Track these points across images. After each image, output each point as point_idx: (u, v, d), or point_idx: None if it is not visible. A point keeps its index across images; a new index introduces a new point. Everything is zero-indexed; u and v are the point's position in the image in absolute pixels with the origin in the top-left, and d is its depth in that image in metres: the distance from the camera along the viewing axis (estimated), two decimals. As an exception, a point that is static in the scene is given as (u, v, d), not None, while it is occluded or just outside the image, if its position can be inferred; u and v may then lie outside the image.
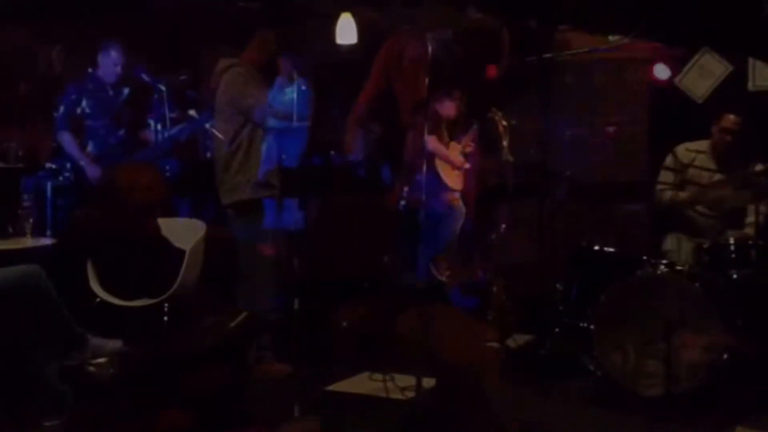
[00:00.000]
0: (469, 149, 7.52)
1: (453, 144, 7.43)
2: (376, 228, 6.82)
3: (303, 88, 8.12)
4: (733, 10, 6.28)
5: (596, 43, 8.33)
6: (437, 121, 7.33)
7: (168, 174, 6.72)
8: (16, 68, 7.98)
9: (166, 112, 6.81)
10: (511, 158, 7.31)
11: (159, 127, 6.92)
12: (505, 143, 7.30)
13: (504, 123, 7.29)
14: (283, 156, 8.11)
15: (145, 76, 6.72)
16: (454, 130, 7.55)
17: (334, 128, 9.59)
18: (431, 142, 7.21)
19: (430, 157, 7.24)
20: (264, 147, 8.30)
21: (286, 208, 8.13)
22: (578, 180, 7.63)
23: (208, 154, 7.87)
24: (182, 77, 7.85)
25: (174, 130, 6.72)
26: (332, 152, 8.32)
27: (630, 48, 8.26)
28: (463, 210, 7.37)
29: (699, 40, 6.85)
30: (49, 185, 6.24)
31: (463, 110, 7.50)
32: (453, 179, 7.35)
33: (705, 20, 6.29)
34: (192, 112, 7.72)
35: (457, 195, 7.37)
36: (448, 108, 7.36)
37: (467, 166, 7.46)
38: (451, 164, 7.29)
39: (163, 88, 6.78)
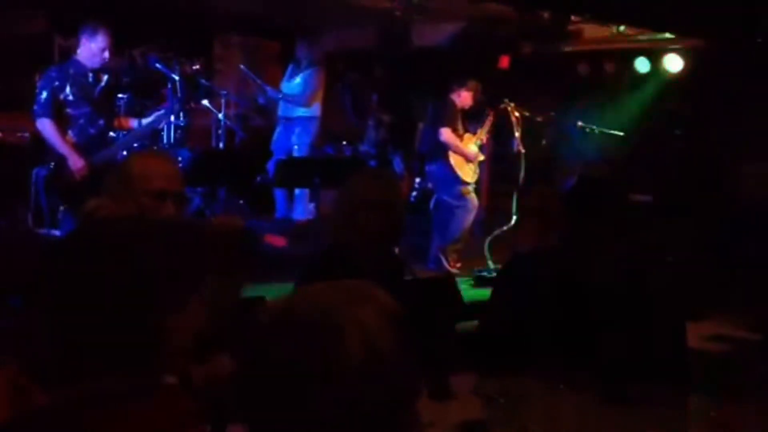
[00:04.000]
0: (483, 141, 7.49)
1: (468, 135, 7.39)
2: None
3: (308, 76, 8.16)
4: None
5: (608, 34, 8.29)
6: (453, 111, 7.30)
7: (180, 164, 6.71)
8: (32, 57, 7.94)
9: (178, 103, 6.72)
10: (523, 149, 7.28)
11: (172, 117, 6.88)
12: (517, 134, 7.27)
13: (516, 114, 7.26)
14: (295, 146, 8.14)
15: (158, 65, 6.66)
16: (469, 120, 7.51)
17: (345, 118, 9.60)
18: (444, 134, 7.18)
19: (443, 148, 7.21)
20: (275, 137, 8.36)
21: (298, 198, 8.16)
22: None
23: (221, 144, 7.89)
24: (195, 66, 7.82)
25: (151, 118, 6.49)
26: (344, 142, 8.33)
27: (640, 38, 8.24)
28: (476, 202, 7.32)
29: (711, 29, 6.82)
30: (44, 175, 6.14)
31: (480, 101, 7.44)
32: (466, 172, 7.29)
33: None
34: (205, 102, 7.73)
35: (470, 187, 7.32)
36: (464, 99, 7.33)
37: (482, 157, 7.41)
38: (465, 156, 7.25)
39: (176, 77, 6.72)
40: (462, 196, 7.27)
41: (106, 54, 5.74)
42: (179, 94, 6.69)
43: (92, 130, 5.77)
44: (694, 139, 8.08)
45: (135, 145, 6.23)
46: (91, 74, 5.77)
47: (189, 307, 1.69)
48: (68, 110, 5.72)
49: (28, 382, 1.66)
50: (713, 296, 6.60)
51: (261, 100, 8.49)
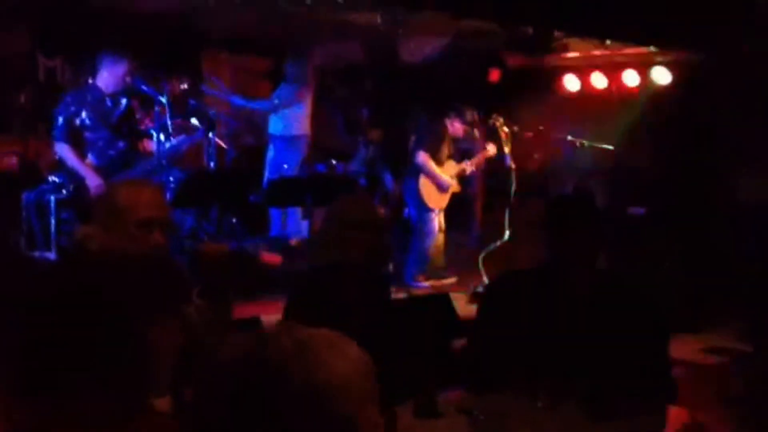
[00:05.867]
0: (466, 173, 7.49)
1: (450, 163, 7.40)
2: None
3: (289, 90, 8.17)
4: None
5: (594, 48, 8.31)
6: (440, 136, 7.33)
7: (172, 185, 6.69)
8: (17, 77, 7.93)
9: (168, 122, 6.74)
10: (513, 165, 7.30)
11: (161, 137, 6.88)
12: (507, 150, 7.29)
13: (506, 130, 7.28)
14: (285, 165, 8.13)
15: (145, 88, 6.69)
16: (455, 148, 7.50)
17: (336, 134, 9.60)
18: (420, 157, 7.23)
19: (417, 170, 7.27)
20: (268, 156, 8.36)
21: (290, 216, 8.15)
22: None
23: (212, 164, 7.87)
24: (183, 86, 7.82)
25: (174, 141, 6.64)
26: (333, 161, 8.32)
27: (627, 51, 8.26)
28: (435, 230, 7.32)
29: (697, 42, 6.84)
30: (52, 199, 6.17)
31: (470, 132, 7.46)
32: (433, 198, 7.30)
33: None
34: (194, 121, 7.71)
35: (433, 214, 7.33)
36: (457, 128, 7.36)
37: (455, 188, 7.39)
38: (437, 184, 7.26)
39: (163, 99, 6.74)
40: (423, 220, 7.32)
41: (128, 79, 5.98)
42: (168, 116, 6.71)
43: (112, 152, 6.09)
44: (686, 150, 8.10)
45: (157, 166, 6.36)
46: (108, 99, 6.03)
47: (168, 327, 1.73)
48: (87, 134, 5.99)
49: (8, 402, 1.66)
50: (709, 307, 6.61)
51: (237, 103, 8.47)
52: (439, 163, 7.32)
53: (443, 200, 7.37)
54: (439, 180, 7.28)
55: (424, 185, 7.26)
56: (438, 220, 7.40)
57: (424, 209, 7.29)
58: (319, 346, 1.34)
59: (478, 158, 7.56)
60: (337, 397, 1.30)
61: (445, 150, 7.37)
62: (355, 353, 1.37)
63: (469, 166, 7.49)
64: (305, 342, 1.34)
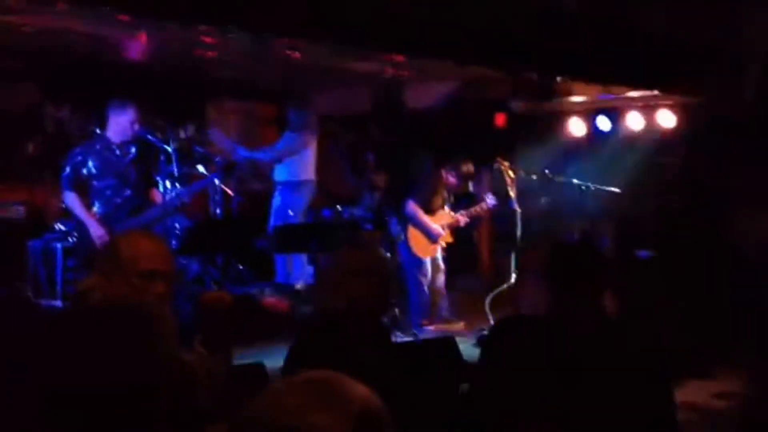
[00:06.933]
0: (460, 224, 7.48)
1: (443, 213, 7.41)
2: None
3: (292, 138, 8.23)
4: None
5: (598, 92, 8.33)
6: (434, 186, 7.36)
7: (178, 231, 6.72)
8: (24, 128, 8.02)
9: (175, 171, 6.79)
10: (518, 208, 7.28)
11: (168, 185, 6.92)
12: (512, 193, 7.28)
13: (511, 174, 7.28)
14: (290, 211, 8.15)
15: (150, 137, 6.75)
16: (449, 198, 7.52)
17: (343, 180, 9.63)
18: (409, 207, 7.24)
19: (405, 220, 7.29)
20: (273, 202, 8.39)
21: (295, 262, 8.15)
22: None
23: (218, 210, 7.90)
24: (189, 134, 7.88)
25: (182, 190, 6.67)
26: (338, 207, 8.35)
27: (632, 95, 8.29)
28: (428, 275, 7.29)
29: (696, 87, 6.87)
30: (58, 246, 6.21)
31: (464, 185, 7.50)
32: (421, 248, 7.33)
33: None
34: (200, 168, 7.76)
35: (423, 262, 7.35)
36: (453, 178, 7.39)
37: (446, 238, 7.41)
38: (427, 232, 7.27)
39: (169, 148, 6.80)
40: (414, 268, 7.31)
41: (136, 126, 6.04)
42: (174, 164, 6.76)
43: (119, 200, 6.13)
44: (691, 192, 8.09)
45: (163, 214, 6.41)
46: (116, 148, 6.09)
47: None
48: (94, 182, 6.08)
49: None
50: (722, 351, 6.55)
51: (241, 155, 8.52)
52: (431, 212, 7.32)
53: (433, 249, 7.35)
54: (429, 229, 7.27)
55: (413, 235, 7.27)
56: (434, 263, 7.37)
57: (413, 257, 7.29)
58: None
59: (474, 210, 7.56)
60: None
61: (439, 199, 7.38)
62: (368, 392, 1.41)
63: (462, 218, 7.47)
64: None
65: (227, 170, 7.47)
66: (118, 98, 6.14)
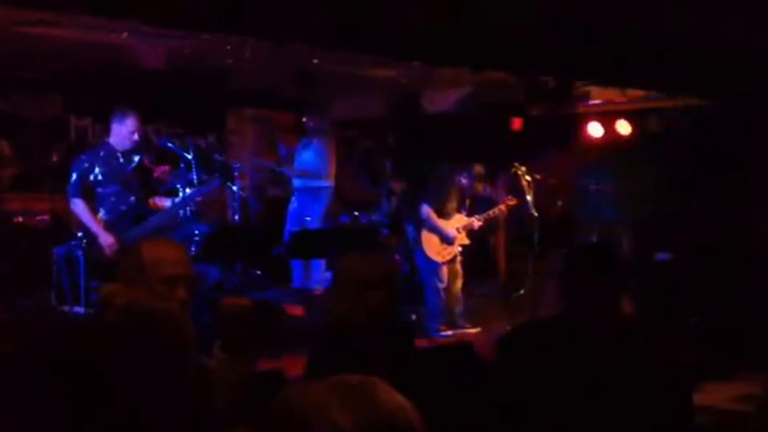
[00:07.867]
0: (474, 227, 7.47)
1: (459, 216, 7.41)
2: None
3: (320, 147, 8.27)
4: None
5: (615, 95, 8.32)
6: (448, 191, 7.36)
7: (197, 238, 6.77)
8: (49, 137, 8.13)
9: (194, 178, 6.85)
10: (535, 213, 7.28)
11: (188, 190, 6.97)
12: (529, 198, 7.28)
13: (528, 178, 7.29)
14: (307, 217, 8.19)
15: (171, 145, 6.81)
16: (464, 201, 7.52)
17: (360, 186, 9.68)
18: (424, 211, 7.25)
19: (420, 224, 7.30)
20: (290, 208, 8.44)
21: (314, 268, 8.19)
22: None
23: (237, 216, 7.96)
24: (208, 141, 7.95)
25: (187, 195, 6.69)
26: (356, 213, 8.38)
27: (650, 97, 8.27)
28: (444, 280, 7.29)
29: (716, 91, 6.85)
30: (80, 254, 6.27)
31: (476, 188, 7.49)
32: (436, 251, 7.30)
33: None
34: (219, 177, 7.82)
35: (438, 266, 7.30)
36: (465, 179, 7.39)
37: (462, 240, 7.48)
38: (441, 236, 7.28)
39: (189, 156, 6.84)
40: (430, 272, 7.30)
41: (136, 136, 6.11)
42: (193, 172, 6.82)
43: (123, 207, 6.15)
44: (711, 196, 8.07)
45: (174, 219, 6.46)
46: (121, 155, 6.12)
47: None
48: (99, 189, 6.09)
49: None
50: (743, 353, 6.53)
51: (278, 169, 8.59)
52: (446, 215, 7.32)
53: (447, 252, 7.34)
54: (443, 232, 7.27)
55: (426, 238, 7.26)
56: (452, 269, 7.36)
57: (429, 262, 7.29)
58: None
59: (490, 213, 7.54)
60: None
61: (453, 203, 7.37)
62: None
63: (477, 221, 7.46)
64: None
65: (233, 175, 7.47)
66: (120, 107, 6.15)
